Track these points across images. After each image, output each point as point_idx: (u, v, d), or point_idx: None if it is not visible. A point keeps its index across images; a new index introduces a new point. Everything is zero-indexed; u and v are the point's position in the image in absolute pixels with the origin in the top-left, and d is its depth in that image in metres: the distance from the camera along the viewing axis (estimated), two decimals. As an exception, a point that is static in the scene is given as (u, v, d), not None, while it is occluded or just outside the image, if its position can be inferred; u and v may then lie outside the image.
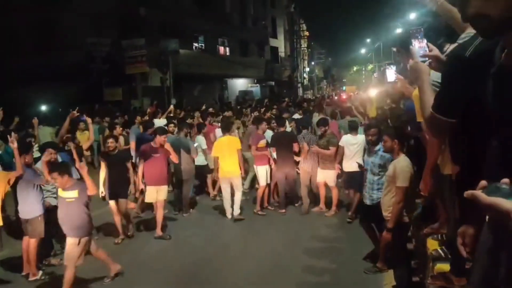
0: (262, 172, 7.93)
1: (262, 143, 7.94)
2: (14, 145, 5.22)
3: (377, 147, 5.23)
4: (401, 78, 3.03)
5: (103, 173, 6.71)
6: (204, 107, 14.00)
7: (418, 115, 3.01)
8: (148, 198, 6.99)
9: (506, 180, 0.93)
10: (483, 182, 0.96)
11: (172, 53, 19.12)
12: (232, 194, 7.74)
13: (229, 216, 7.63)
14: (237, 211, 7.58)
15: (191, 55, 22.99)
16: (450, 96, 1.63)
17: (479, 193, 0.92)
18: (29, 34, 19.19)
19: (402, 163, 4.33)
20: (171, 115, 12.04)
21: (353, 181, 7.12)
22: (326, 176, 7.62)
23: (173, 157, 7.03)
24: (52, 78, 16.28)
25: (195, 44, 25.34)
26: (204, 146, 8.73)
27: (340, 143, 7.40)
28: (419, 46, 1.92)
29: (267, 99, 22.90)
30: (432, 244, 3.92)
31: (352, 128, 7.38)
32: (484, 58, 1.32)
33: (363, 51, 62.45)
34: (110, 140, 6.78)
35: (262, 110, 13.24)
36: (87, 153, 9.54)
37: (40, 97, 16.06)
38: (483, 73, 1.31)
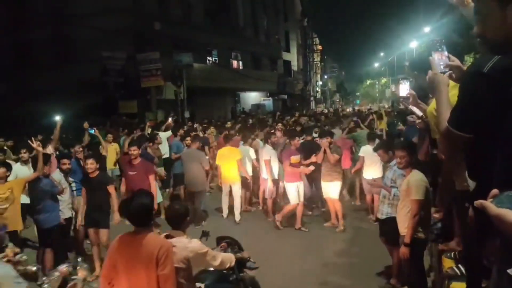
0: (292, 189, 7.37)
1: (296, 158, 7.37)
2: (40, 149, 5.39)
3: (393, 162, 5.17)
4: (413, 94, 2.98)
5: (83, 199, 5.88)
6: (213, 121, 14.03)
7: (433, 132, 2.97)
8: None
9: None
10: (495, 191, 0.94)
11: (186, 67, 19.39)
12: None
13: (224, 216, 8.22)
14: (237, 216, 8.10)
15: (204, 69, 23.27)
16: (466, 112, 1.61)
17: (488, 203, 0.90)
18: (46, 49, 19.70)
19: (416, 177, 4.26)
20: (186, 128, 12.08)
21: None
22: (329, 190, 7.48)
23: (152, 180, 6.41)
24: (68, 91, 16.63)
25: (209, 58, 25.63)
26: (254, 156, 8.66)
27: (360, 154, 7.85)
28: (440, 57, 1.88)
29: (279, 112, 23.01)
30: (448, 262, 3.83)
31: (370, 139, 7.85)
32: (506, 73, 1.31)
33: (376, 64, 62.36)
34: (90, 161, 5.80)
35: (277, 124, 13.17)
36: (115, 167, 9.51)
37: (56, 110, 16.39)
38: (504, 89, 1.30)
